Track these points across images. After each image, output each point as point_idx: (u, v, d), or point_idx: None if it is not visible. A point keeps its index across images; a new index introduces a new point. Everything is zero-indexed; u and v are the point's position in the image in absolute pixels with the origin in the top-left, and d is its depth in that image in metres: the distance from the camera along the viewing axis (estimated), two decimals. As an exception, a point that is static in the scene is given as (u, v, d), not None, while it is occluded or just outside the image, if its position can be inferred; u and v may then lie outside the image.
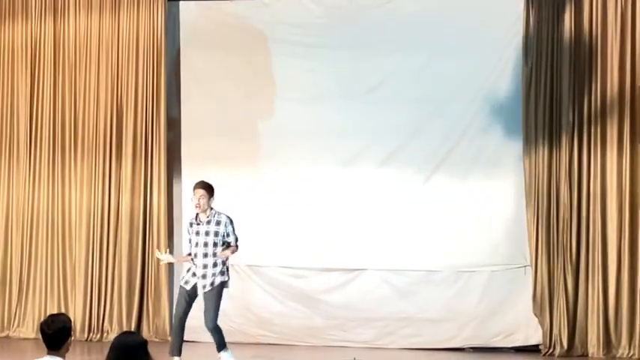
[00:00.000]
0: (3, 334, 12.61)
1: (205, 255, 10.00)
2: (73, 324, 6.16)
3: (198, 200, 10.02)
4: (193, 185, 10.23)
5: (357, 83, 12.11)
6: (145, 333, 12.09)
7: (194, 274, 10.04)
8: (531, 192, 11.52)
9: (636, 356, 11.22)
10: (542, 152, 11.50)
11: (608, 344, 11.36)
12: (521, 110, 11.59)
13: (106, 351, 5.32)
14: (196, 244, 10.05)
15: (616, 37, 11.42)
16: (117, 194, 12.44)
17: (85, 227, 12.45)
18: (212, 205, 10.10)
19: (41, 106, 12.68)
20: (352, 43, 12.16)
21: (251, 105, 12.38)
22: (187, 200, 12.46)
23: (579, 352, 11.41)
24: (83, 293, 12.40)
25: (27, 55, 12.74)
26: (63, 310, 12.02)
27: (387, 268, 12.02)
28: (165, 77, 12.35)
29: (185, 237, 12.40)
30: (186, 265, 10.44)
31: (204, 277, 9.99)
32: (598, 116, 11.44)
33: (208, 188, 10.12)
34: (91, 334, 12.27)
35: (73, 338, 6.07)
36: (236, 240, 10.08)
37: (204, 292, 10.01)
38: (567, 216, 11.43)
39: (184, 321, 10.15)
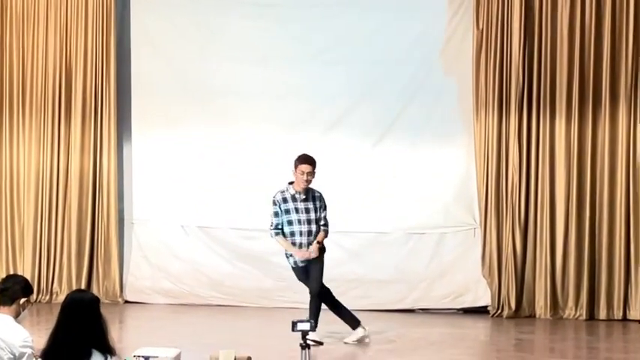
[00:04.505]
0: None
1: (310, 233, 9.49)
2: (28, 287, 6.12)
3: (307, 177, 9.46)
4: (298, 159, 9.57)
5: (310, 44, 12.11)
6: (95, 294, 12.01)
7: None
8: (481, 155, 11.61)
9: (582, 317, 11.38)
10: (492, 115, 11.58)
11: (555, 305, 11.51)
12: (472, 73, 11.64)
13: (55, 312, 5.32)
14: (299, 222, 9.48)
15: (566, 1, 11.48)
16: (66, 155, 12.33)
17: (34, 188, 12.33)
18: None
19: (-13, 65, 12.50)
20: (305, 3, 12.14)
21: (202, 65, 12.32)
22: (138, 161, 12.45)
23: (527, 313, 11.56)
24: (32, 255, 12.30)
25: (-27, 13, 12.54)
26: (12, 272, 11.95)
27: (338, 230, 12.02)
28: (115, 36, 12.22)
29: (138, 198, 12.44)
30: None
31: None
32: (548, 80, 11.53)
33: (314, 164, 9.52)
34: (40, 296, 12.18)
35: (25, 300, 6.04)
36: (325, 220, 9.59)
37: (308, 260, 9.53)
38: (516, 178, 11.53)
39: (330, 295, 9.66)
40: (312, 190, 9.62)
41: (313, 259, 9.53)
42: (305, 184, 9.49)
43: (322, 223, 9.61)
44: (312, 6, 12.12)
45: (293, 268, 9.71)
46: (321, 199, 9.63)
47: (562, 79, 11.50)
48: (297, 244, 9.54)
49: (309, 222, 9.51)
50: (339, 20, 12.07)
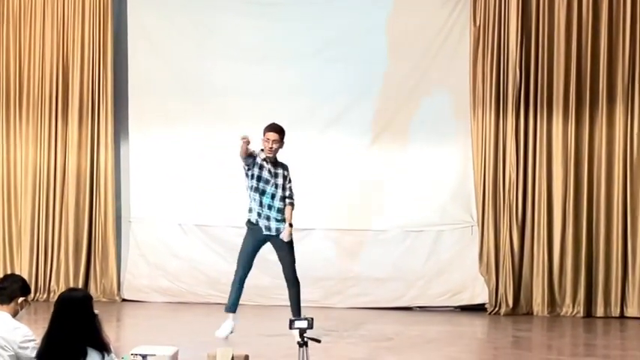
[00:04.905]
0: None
1: (273, 197, 9.45)
2: (26, 286, 6.18)
3: (272, 145, 9.36)
4: (266, 126, 9.51)
5: (308, 42, 12.10)
6: (93, 293, 12.01)
7: (259, 215, 9.47)
8: (478, 152, 11.61)
9: (580, 314, 11.39)
10: (490, 112, 11.58)
11: (552, 303, 11.53)
12: (469, 70, 11.64)
13: (52, 310, 5.32)
14: (267, 182, 9.42)
15: (564, -1, 11.53)
16: (63, 153, 12.32)
17: (31, 186, 12.32)
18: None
19: (-17, 62, 12.49)
20: (304, 1, 12.15)
21: (200, 63, 12.31)
22: (135, 159, 12.45)
23: (524, 311, 11.58)
24: (29, 253, 12.29)
25: (-31, 10, 12.52)
26: (9, 270, 11.98)
27: (335, 228, 12.07)
28: (112, 34, 12.21)
29: (135, 196, 12.44)
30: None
31: (268, 218, 9.49)
32: (545, 77, 11.54)
33: (280, 132, 9.42)
34: (38, 294, 12.18)
35: (23, 300, 6.08)
36: (291, 191, 9.53)
37: (268, 236, 9.49)
38: (514, 176, 11.54)
39: (246, 277, 9.57)
40: (281, 163, 9.60)
41: (281, 242, 9.50)
42: (269, 151, 9.43)
43: (288, 193, 9.55)
44: (310, 4, 12.13)
45: (250, 230, 9.53)
46: (288, 169, 9.59)
47: (559, 76, 11.51)
48: (261, 205, 9.45)
49: (276, 186, 9.48)
50: (338, 18, 12.07)
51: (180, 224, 12.35)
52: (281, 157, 11.51)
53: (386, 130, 12.02)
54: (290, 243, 9.58)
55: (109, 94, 12.22)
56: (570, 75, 11.48)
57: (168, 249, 12.37)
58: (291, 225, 9.53)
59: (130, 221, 12.47)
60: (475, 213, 11.75)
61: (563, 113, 11.51)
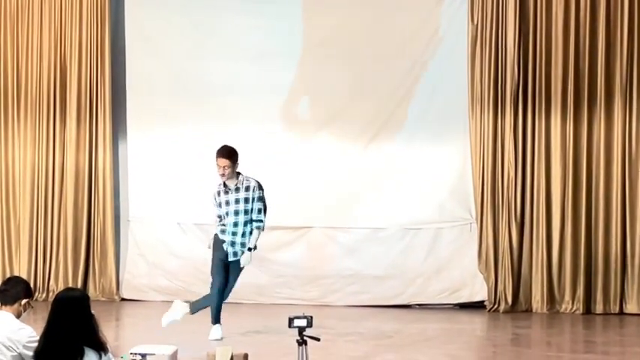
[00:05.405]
0: (-53, 295, 12.45)
1: (236, 224, 9.42)
2: (29, 289, 6.24)
3: (223, 171, 9.34)
4: (215, 152, 9.50)
5: (306, 41, 12.09)
6: (92, 292, 12.04)
7: (227, 237, 9.48)
8: (477, 150, 11.61)
9: (579, 311, 11.39)
10: (488, 110, 11.58)
11: (551, 300, 11.53)
12: (467, 68, 11.63)
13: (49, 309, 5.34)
14: (227, 214, 9.44)
15: (561, -4, 11.52)
16: (61, 152, 12.31)
17: (30, 186, 12.31)
18: (239, 170, 9.47)
19: (-19, 62, 12.48)
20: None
21: (197, 62, 12.30)
22: (133, 158, 12.45)
23: (524, 308, 11.58)
24: (28, 253, 12.29)
25: (-35, 9, 12.50)
26: (7, 270, 12.01)
27: (334, 226, 12.07)
28: (109, 33, 12.20)
29: (134, 195, 12.44)
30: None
31: (232, 244, 9.45)
32: (543, 75, 11.53)
33: (231, 156, 9.38)
34: (37, 294, 12.17)
35: (27, 302, 6.13)
36: (259, 211, 9.41)
37: (230, 261, 9.49)
38: (512, 174, 11.53)
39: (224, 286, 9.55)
40: (245, 181, 9.48)
41: (234, 260, 9.50)
42: (222, 177, 9.45)
43: (255, 216, 9.45)
44: (310, 2, 12.11)
45: (218, 241, 9.54)
46: (255, 189, 9.45)
47: (557, 74, 11.51)
48: (227, 232, 9.47)
49: (236, 213, 9.42)
50: (335, 16, 12.06)
51: (179, 223, 12.35)
52: (278, 156, 11.58)
53: (384, 128, 12.01)
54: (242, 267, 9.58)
55: (106, 94, 12.22)
56: (568, 73, 11.48)
57: (167, 248, 12.37)
58: (250, 249, 9.47)
59: (128, 220, 12.47)
60: (474, 210, 11.75)
61: (562, 111, 11.50)
